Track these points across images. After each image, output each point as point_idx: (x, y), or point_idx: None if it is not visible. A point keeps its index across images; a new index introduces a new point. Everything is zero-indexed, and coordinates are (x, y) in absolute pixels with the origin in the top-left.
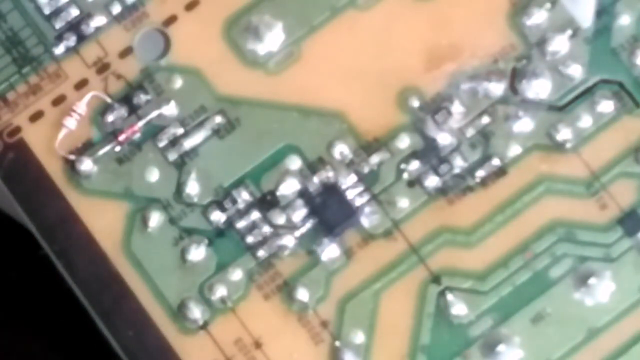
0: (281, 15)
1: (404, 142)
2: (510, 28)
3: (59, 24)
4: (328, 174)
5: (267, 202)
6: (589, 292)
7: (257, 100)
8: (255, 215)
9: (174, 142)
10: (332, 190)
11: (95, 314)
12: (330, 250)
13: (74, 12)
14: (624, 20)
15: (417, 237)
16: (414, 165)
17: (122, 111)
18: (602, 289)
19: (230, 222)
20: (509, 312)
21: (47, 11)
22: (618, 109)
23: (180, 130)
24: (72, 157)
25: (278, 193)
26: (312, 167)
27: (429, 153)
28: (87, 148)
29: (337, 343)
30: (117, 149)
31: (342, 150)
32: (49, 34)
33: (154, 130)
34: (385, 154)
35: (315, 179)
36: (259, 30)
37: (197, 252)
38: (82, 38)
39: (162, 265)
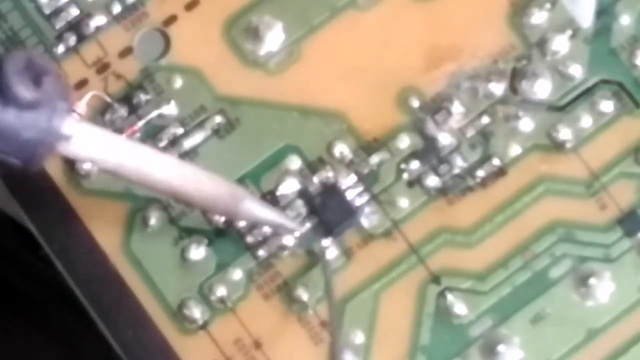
0: (281, 15)
1: (404, 142)
2: (510, 28)
3: (59, 24)
4: (328, 174)
5: (267, 202)
6: (588, 292)
7: (257, 100)
8: None
9: (174, 142)
10: (332, 190)
11: (95, 314)
12: (330, 250)
13: (74, 12)
14: (624, 20)
15: (416, 237)
16: (414, 165)
17: (122, 111)
18: (602, 290)
19: (230, 222)
20: (508, 313)
21: (47, 11)
22: (618, 109)
23: (180, 130)
24: None
25: (278, 193)
26: (312, 167)
27: (429, 153)
28: None
29: None
30: None
31: (342, 150)
32: (49, 34)
33: (154, 130)
34: (385, 154)
35: (315, 179)
36: (259, 30)
37: (197, 252)
38: (82, 38)
39: (162, 265)
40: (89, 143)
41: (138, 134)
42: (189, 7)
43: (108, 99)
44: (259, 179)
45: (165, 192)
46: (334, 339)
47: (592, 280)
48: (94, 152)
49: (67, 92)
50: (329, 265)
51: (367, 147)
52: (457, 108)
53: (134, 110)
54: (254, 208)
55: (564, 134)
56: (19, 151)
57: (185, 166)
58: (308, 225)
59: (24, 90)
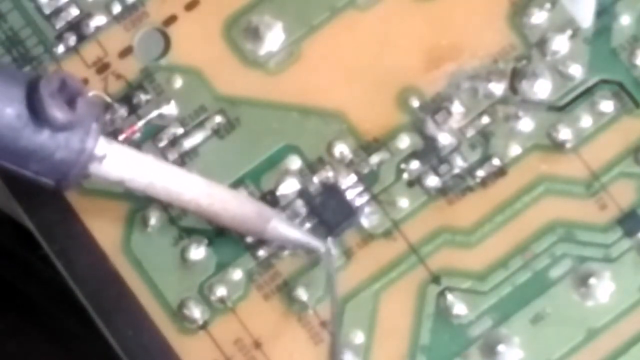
0: (281, 15)
1: (404, 142)
2: (510, 28)
3: (59, 24)
4: (328, 174)
5: (267, 202)
6: (588, 292)
7: (257, 100)
8: None
9: (174, 142)
10: (332, 190)
11: (95, 314)
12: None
13: (74, 12)
14: (624, 20)
15: (416, 237)
16: (414, 165)
17: (122, 111)
18: (602, 290)
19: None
20: (508, 312)
21: (47, 11)
22: (618, 109)
23: (180, 130)
24: None
25: (278, 193)
26: (312, 167)
27: (429, 153)
28: None
29: None
30: None
31: (342, 150)
32: (49, 33)
33: (154, 130)
34: (385, 154)
35: (315, 179)
36: (259, 30)
37: (197, 252)
38: (82, 38)
39: (162, 265)
40: (120, 164)
41: (138, 134)
42: (189, 7)
43: (108, 99)
44: (259, 179)
45: (194, 211)
46: (334, 334)
47: (592, 280)
48: (125, 172)
49: (99, 113)
50: (334, 262)
51: (367, 147)
52: (457, 108)
53: (134, 110)
54: (281, 227)
55: (564, 134)
56: (52, 171)
57: (214, 186)
58: (308, 225)
59: (58, 112)
